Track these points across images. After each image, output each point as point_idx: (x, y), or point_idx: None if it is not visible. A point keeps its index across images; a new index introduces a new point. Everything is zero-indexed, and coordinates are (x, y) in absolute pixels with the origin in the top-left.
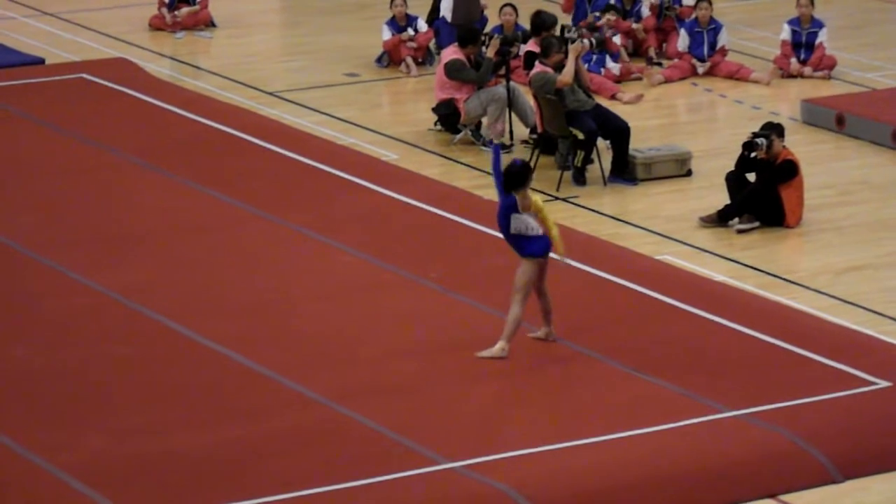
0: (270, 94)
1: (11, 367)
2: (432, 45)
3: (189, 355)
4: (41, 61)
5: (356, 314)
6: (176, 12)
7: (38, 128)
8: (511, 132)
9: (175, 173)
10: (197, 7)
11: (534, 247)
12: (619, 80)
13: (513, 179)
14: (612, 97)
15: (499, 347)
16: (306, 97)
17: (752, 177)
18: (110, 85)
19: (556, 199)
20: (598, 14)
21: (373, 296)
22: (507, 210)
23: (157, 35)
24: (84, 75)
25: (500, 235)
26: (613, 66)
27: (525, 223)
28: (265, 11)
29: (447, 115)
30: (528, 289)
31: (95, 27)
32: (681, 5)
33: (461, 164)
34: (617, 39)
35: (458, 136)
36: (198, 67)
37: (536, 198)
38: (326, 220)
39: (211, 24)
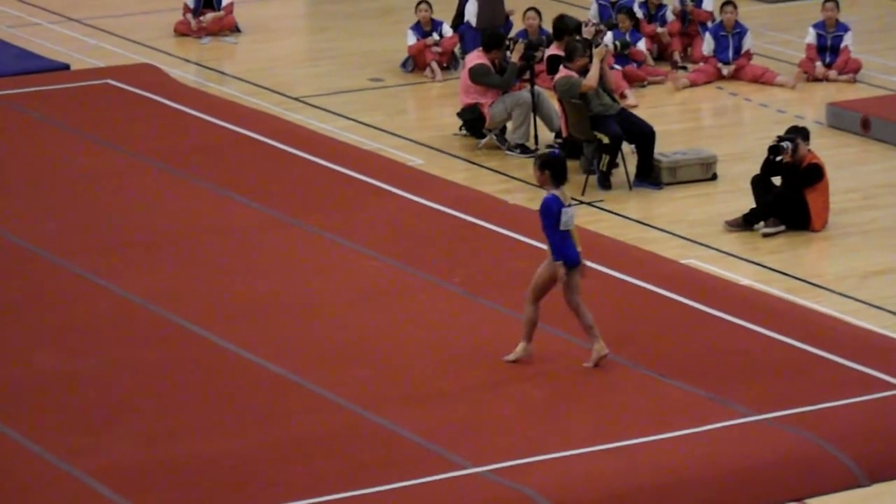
0: (295, 99)
1: (37, 373)
2: (457, 49)
3: (214, 360)
4: (66, 67)
5: (381, 318)
6: (201, 18)
7: (63, 133)
8: (536, 136)
9: (200, 178)
10: (222, 13)
11: (570, 252)
12: (642, 81)
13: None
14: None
15: (521, 348)
16: (331, 102)
17: (777, 180)
18: (135, 91)
19: (582, 203)
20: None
21: (398, 300)
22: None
23: (183, 41)
24: (109, 81)
25: (534, 242)
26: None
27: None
28: (290, 17)
29: (472, 120)
30: (541, 290)
31: (121, 33)
32: (699, 7)
33: (486, 168)
34: (641, 45)
35: (483, 141)
36: (223, 73)
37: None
38: (351, 225)
39: (236, 30)
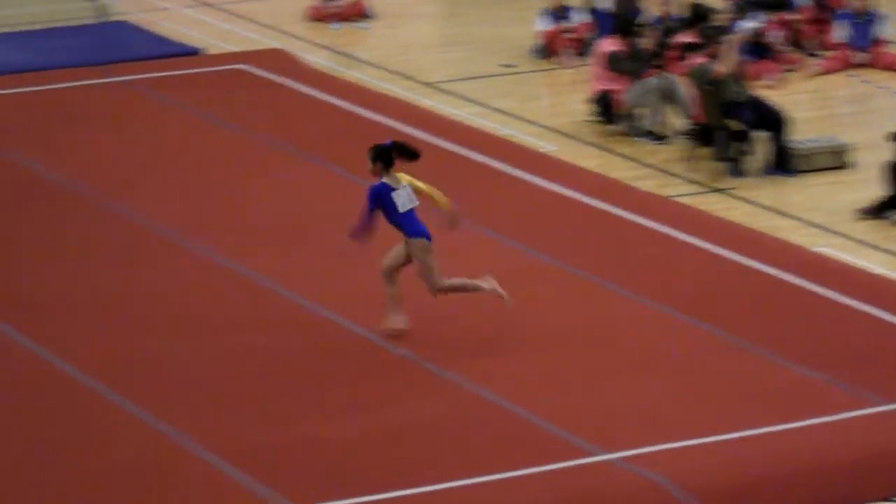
0: (427, 84)
1: (172, 356)
2: (589, 35)
3: (340, 343)
4: (196, 52)
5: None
6: (333, 3)
7: (194, 118)
8: (668, 123)
9: (330, 163)
10: None
11: (421, 226)
12: (776, 72)
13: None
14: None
15: (400, 320)
16: (463, 88)
17: None
18: (267, 75)
19: (714, 190)
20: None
21: (528, 284)
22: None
23: (315, 26)
24: (241, 66)
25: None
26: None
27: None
28: (422, 2)
29: (604, 107)
30: (395, 268)
31: (253, 18)
32: None
33: (618, 155)
34: (773, 35)
35: (616, 128)
36: (354, 58)
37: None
38: (483, 211)
39: (368, 15)
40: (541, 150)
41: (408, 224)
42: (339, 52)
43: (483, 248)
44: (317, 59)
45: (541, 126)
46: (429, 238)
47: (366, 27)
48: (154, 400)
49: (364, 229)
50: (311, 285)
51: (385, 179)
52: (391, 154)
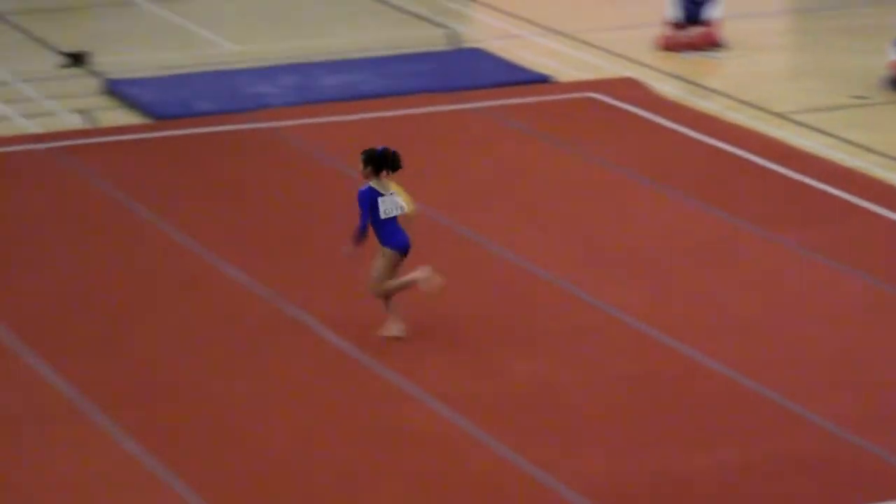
0: (776, 114)
1: (517, 382)
2: None
3: (690, 374)
4: (546, 79)
5: (863, 338)
6: (685, 32)
7: (544, 145)
8: None
9: (679, 191)
10: (707, 28)
11: (398, 238)
12: None
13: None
14: None
15: (398, 329)
16: (812, 119)
17: None
18: (617, 104)
19: None
20: None
21: (879, 319)
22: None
23: (666, 55)
24: (591, 94)
25: None
26: None
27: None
28: (773, 33)
29: None
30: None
31: (603, 46)
32: None
33: None
34: None
35: None
36: (706, 87)
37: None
38: (831, 243)
39: (720, 45)
40: (893, 182)
41: (386, 232)
42: (689, 82)
43: (827, 280)
44: (667, 88)
45: (891, 158)
46: (403, 252)
47: (717, 57)
48: (502, 428)
49: (358, 235)
50: (659, 314)
51: (373, 184)
52: (380, 161)
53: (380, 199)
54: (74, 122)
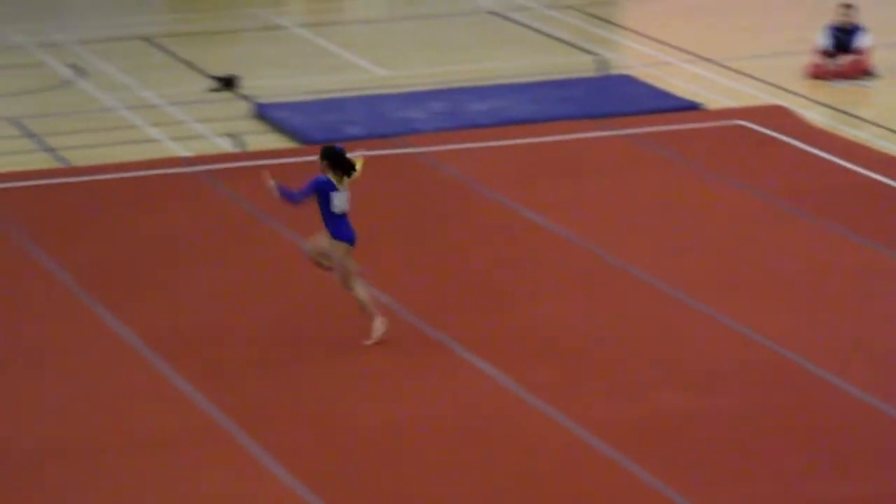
0: None
1: (662, 411)
2: None
3: (836, 403)
4: (696, 106)
5: None
6: (835, 60)
7: (692, 172)
8: None
9: (829, 222)
10: (857, 56)
11: (348, 231)
12: None
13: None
14: None
15: (379, 324)
16: None
17: None
18: (766, 132)
19: None
20: None
21: None
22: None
23: (815, 83)
24: (740, 122)
25: None
26: None
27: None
28: None
29: None
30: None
31: (752, 73)
32: None
33: None
34: None
35: None
36: (856, 116)
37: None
38: None
39: (871, 73)
40: None
41: (336, 227)
42: (839, 110)
43: None
44: (817, 117)
45: None
46: (352, 243)
47: (867, 86)
48: (649, 457)
49: (288, 196)
50: (806, 343)
51: (331, 177)
52: (333, 160)
53: (333, 193)
54: (223, 145)
